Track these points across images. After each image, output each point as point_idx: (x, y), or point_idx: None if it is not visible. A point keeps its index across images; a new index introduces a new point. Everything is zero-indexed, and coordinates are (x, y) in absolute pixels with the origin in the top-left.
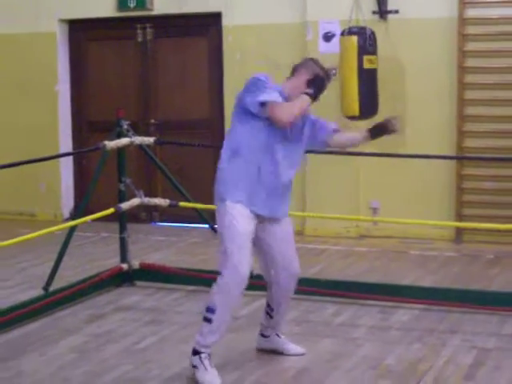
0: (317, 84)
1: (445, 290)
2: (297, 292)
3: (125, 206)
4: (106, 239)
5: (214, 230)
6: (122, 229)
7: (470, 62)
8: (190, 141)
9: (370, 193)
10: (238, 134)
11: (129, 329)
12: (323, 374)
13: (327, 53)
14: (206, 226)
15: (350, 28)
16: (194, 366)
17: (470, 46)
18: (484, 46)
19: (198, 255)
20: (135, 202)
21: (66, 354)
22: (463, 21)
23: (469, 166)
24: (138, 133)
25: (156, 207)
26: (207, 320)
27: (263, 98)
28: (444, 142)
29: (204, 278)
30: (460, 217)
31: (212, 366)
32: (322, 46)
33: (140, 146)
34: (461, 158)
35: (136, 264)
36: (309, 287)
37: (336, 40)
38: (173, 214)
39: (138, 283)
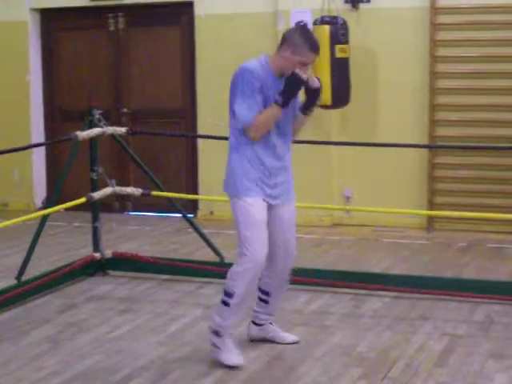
0: (289, 89)
1: (416, 277)
2: None
3: (97, 195)
4: (78, 229)
5: (186, 218)
6: (95, 218)
7: (442, 52)
8: (163, 130)
9: (343, 181)
10: (235, 130)
11: (102, 318)
12: (296, 362)
13: None
14: (179, 215)
15: (322, 17)
16: (216, 346)
17: (442, 36)
18: (455, 36)
19: (171, 244)
20: (107, 191)
21: (39, 343)
22: (435, 10)
23: (441, 154)
24: (110, 122)
25: (129, 197)
26: (226, 304)
27: (241, 119)
28: (416, 131)
29: (177, 267)
30: (432, 205)
31: (234, 346)
32: None
33: (112, 136)
34: (432, 146)
35: (109, 253)
36: None
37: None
38: (146, 204)
39: (111, 272)
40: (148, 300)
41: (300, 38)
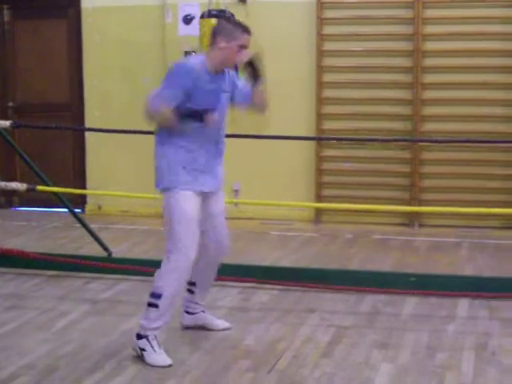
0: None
1: (303, 269)
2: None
3: None
4: None
5: (73, 213)
6: None
7: (328, 46)
8: (50, 124)
9: (231, 175)
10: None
11: None
12: (184, 356)
13: (187, 35)
14: (66, 209)
15: (209, 11)
16: (142, 349)
17: (328, 30)
18: (341, 30)
19: (58, 239)
20: None
21: None
22: (321, 5)
23: (328, 147)
24: None
25: (15, 192)
26: (153, 305)
27: (151, 96)
28: (303, 124)
29: (64, 263)
30: (319, 198)
31: (160, 347)
32: (182, 29)
33: None
34: (318, 138)
35: None
36: None
37: (195, 22)
38: (33, 199)
39: None
40: (35, 296)
41: (229, 24)
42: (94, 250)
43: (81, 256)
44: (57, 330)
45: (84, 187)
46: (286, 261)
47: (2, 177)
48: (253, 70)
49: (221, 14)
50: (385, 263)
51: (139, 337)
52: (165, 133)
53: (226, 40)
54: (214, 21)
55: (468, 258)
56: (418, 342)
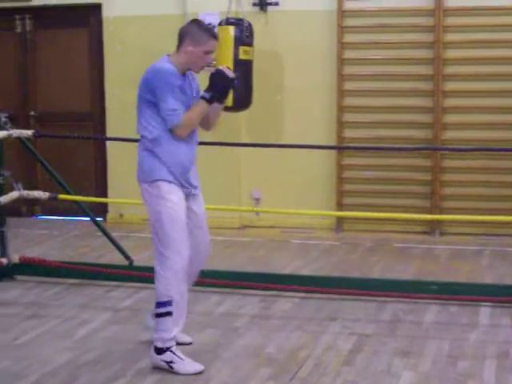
0: (216, 84)
1: (325, 277)
2: None
3: (3, 199)
4: None
5: (95, 222)
6: (1, 223)
7: (349, 54)
8: (72, 133)
9: (251, 183)
10: (152, 122)
11: (9, 324)
12: (205, 364)
13: None
14: (87, 218)
15: (227, 19)
16: (170, 362)
17: (349, 38)
18: (362, 38)
19: (80, 248)
20: (14, 195)
21: None
22: (342, 13)
23: (348, 155)
24: (17, 125)
25: (37, 200)
26: (167, 314)
27: (169, 120)
28: (324, 133)
29: (86, 271)
30: (340, 206)
31: (183, 355)
32: None
33: (19, 139)
34: (340, 147)
35: (16, 258)
36: None
37: (216, 31)
38: (54, 207)
39: (19, 277)
40: (56, 305)
41: (198, 29)
42: (116, 258)
43: (102, 264)
44: (78, 338)
45: (105, 196)
46: (307, 269)
47: (23, 185)
48: (217, 83)
49: (236, 22)
50: (406, 271)
51: (160, 351)
52: (157, 135)
53: (193, 44)
54: (231, 29)
55: (489, 266)
56: (439, 351)
